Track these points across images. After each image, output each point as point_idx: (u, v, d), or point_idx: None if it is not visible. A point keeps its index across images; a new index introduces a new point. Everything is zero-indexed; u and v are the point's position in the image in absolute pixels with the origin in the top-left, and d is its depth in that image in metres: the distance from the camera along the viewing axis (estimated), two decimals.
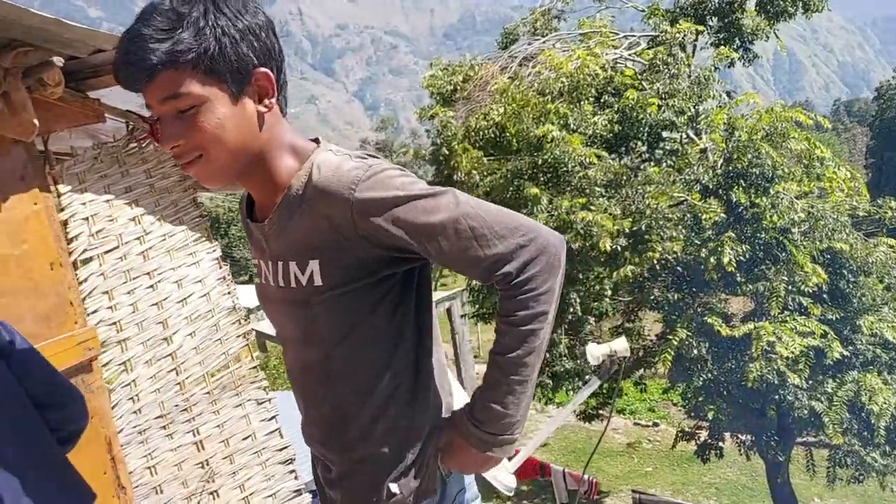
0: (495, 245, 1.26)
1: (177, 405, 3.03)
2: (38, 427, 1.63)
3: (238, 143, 1.26)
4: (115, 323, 2.83)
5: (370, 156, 1.34)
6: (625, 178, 11.59)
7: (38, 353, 1.75)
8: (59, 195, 2.66)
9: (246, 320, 3.39)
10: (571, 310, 12.22)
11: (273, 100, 1.30)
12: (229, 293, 3.35)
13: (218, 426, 3.18)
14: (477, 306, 14.60)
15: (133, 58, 1.15)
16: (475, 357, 27.32)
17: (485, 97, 14.12)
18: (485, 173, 13.05)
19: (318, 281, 1.31)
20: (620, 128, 12.07)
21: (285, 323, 1.47)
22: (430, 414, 1.46)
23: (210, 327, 3.23)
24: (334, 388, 1.41)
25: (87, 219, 2.77)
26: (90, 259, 2.79)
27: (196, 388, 3.11)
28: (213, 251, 3.32)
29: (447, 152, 14.21)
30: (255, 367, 3.37)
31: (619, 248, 10.61)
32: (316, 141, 1.43)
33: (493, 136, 13.22)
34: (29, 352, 1.71)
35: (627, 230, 10.57)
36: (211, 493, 3.08)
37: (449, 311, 23.81)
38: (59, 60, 2.34)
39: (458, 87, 15.47)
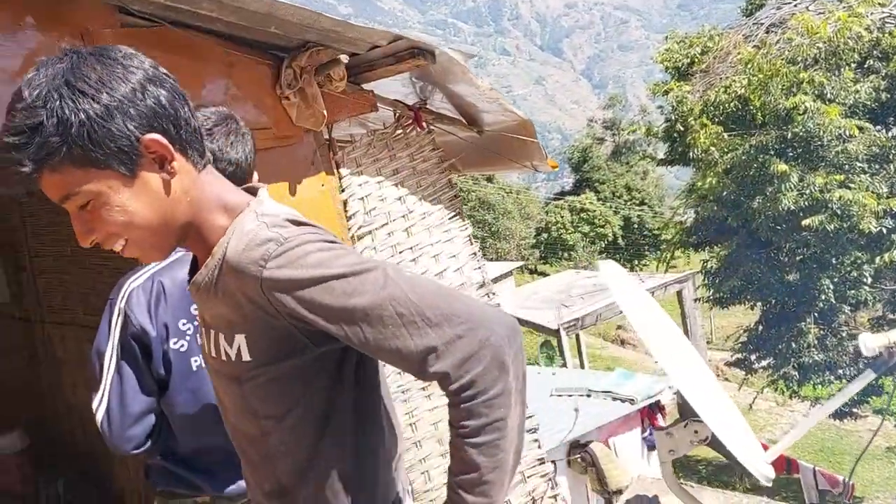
0: (426, 334, 1.07)
1: None
2: None
3: (155, 220, 1.13)
4: None
5: (295, 222, 1.17)
6: (893, 151, 10.29)
7: None
8: (340, 178, 3.01)
9: (494, 294, 3.58)
10: (823, 297, 11.18)
11: (176, 162, 1.13)
12: (479, 268, 3.56)
13: None
14: (712, 290, 13.85)
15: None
16: (707, 343, 25.97)
17: (726, 69, 13.25)
18: (724, 150, 12.30)
19: (245, 356, 1.19)
20: (889, 95, 10.69)
21: (220, 392, 1.35)
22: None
23: None
24: (273, 464, 1.29)
25: (362, 199, 3.11)
26: (364, 235, 3.12)
27: None
28: (465, 229, 3.55)
29: (682, 129, 13.59)
30: None
31: (885, 230, 9.49)
32: (253, 192, 1.29)
33: (734, 109, 12.38)
34: None
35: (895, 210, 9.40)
36: None
37: (679, 294, 22.83)
38: (344, 58, 2.64)
39: (696, 60, 14.65)
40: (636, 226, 46.04)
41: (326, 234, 1.17)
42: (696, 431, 2.29)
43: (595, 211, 45.52)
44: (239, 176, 1.70)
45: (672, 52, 15.15)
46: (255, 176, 1.81)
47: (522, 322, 22.70)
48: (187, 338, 1.68)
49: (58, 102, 1.02)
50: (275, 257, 1.09)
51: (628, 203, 46.91)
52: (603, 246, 45.11)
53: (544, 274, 42.84)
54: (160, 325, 1.65)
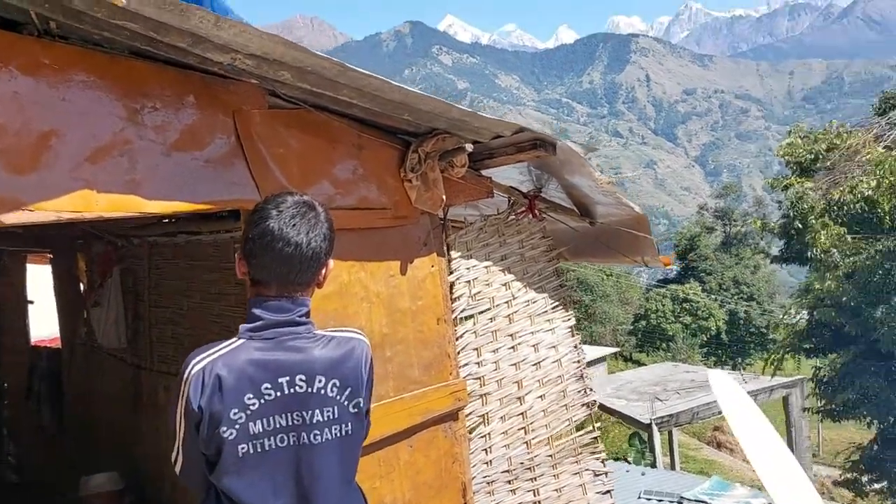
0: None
1: (522, 462, 3.24)
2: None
3: None
4: (479, 378, 3.15)
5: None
6: None
7: None
8: (450, 260, 3.07)
9: (591, 390, 3.50)
10: None
11: None
12: (578, 362, 3.50)
13: (556, 490, 3.31)
14: (823, 401, 12.97)
15: None
16: (813, 457, 24.12)
17: (853, 168, 12.71)
18: (847, 252, 11.70)
19: None
20: None
21: None
22: None
23: (559, 392, 3.41)
24: None
25: (469, 282, 3.15)
26: (467, 318, 3.15)
27: (541, 450, 3.30)
28: (568, 319, 3.51)
29: (801, 226, 13.05)
30: (595, 438, 3.45)
31: None
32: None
33: (859, 211, 11.79)
34: None
35: None
36: None
37: (786, 400, 21.43)
38: (469, 146, 2.73)
39: (820, 157, 14.14)
40: (742, 322, 44.03)
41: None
42: None
43: (699, 302, 43.97)
44: (297, 257, 1.80)
45: (795, 147, 14.69)
46: (331, 263, 1.91)
47: (612, 412, 21.94)
48: (237, 426, 1.75)
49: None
50: None
51: (735, 297, 45.07)
52: (705, 340, 43.34)
53: (639, 363, 41.44)
54: (213, 413, 1.74)
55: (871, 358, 11.70)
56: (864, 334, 11.52)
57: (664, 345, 42.82)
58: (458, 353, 3.06)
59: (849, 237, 11.69)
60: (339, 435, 1.86)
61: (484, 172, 3.21)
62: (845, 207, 11.82)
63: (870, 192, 11.51)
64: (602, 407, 23.17)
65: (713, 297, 45.16)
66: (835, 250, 11.78)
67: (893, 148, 12.42)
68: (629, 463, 16.83)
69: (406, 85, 2.50)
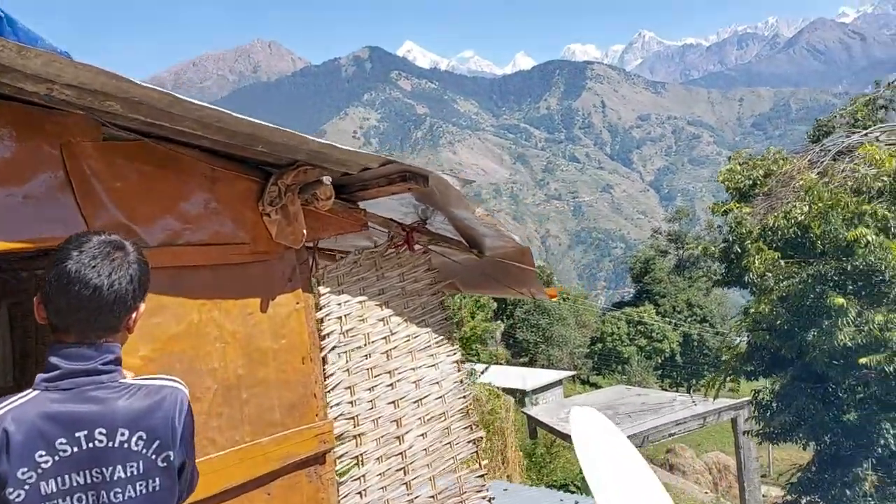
0: None
1: None
2: None
3: None
4: (353, 418, 3.03)
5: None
6: None
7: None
8: (318, 296, 2.97)
9: (478, 427, 3.40)
10: (882, 442, 10.45)
11: None
12: (464, 398, 3.41)
13: None
14: (762, 423, 13.08)
15: None
16: (763, 477, 24.38)
17: (787, 194, 12.99)
18: (780, 277, 11.88)
19: None
20: None
21: None
22: None
23: (442, 430, 3.31)
24: None
25: (340, 318, 3.05)
26: (338, 356, 3.04)
27: (422, 491, 3.18)
28: (453, 353, 3.42)
29: (739, 251, 13.27)
30: (482, 476, 3.35)
31: None
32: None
33: (793, 236, 12.01)
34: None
35: None
36: None
37: (734, 421, 21.69)
38: (327, 179, 2.64)
39: (759, 182, 14.45)
40: (696, 343, 44.66)
41: None
42: None
43: (653, 325, 44.52)
44: (96, 300, 1.66)
45: (734, 173, 14.99)
46: (142, 306, 1.77)
47: (565, 436, 21.91)
48: (26, 487, 1.58)
49: None
50: None
51: (689, 319, 45.72)
52: (659, 362, 43.83)
53: (596, 385, 41.65)
54: None
55: (806, 380, 11.87)
56: (798, 357, 11.70)
57: (619, 367, 43.15)
58: (328, 392, 2.94)
59: (782, 262, 11.90)
60: (144, 492, 1.72)
61: (361, 204, 3.13)
62: (780, 232, 12.05)
63: (802, 217, 11.76)
64: (554, 431, 23.20)
65: (667, 319, 45.77)
66: (769, 275, 11.97)
67: (825, 174, 12.74)
68: (578, 489, 16.74)
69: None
